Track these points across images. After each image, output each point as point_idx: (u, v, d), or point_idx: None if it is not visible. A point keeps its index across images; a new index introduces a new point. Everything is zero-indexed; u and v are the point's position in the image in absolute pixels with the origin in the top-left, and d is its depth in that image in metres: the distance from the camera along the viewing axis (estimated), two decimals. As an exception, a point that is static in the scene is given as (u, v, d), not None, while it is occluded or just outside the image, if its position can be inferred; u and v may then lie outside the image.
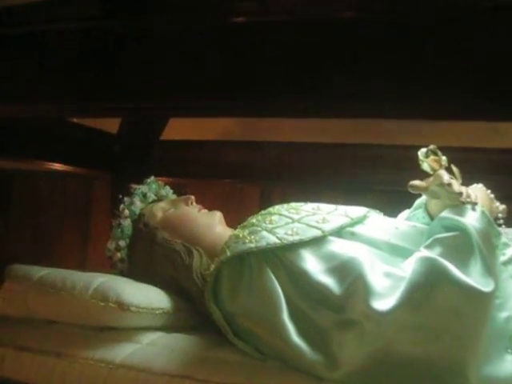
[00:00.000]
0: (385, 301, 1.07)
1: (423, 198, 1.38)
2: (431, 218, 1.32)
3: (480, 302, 1.05)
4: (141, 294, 1.28)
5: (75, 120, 2.15)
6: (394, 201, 1.97)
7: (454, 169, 1.28)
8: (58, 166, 2.12)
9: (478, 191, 1.28)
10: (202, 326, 1.33)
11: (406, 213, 1.46)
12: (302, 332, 1.13)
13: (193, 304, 1.35)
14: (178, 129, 2.33)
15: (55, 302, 1.29)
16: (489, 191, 1.32)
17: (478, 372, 1.06)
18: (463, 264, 1.08)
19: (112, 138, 2.28)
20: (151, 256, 1.40)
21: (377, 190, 2.15)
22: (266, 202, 2.27)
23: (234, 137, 2.35)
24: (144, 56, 1.17)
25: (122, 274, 1.45)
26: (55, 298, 1.28)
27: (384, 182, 2.12)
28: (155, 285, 1.36)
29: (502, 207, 1.31)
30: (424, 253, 1.11)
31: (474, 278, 1.06)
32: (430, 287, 1.06)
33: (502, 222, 1.30)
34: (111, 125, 2.28)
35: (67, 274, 1.33)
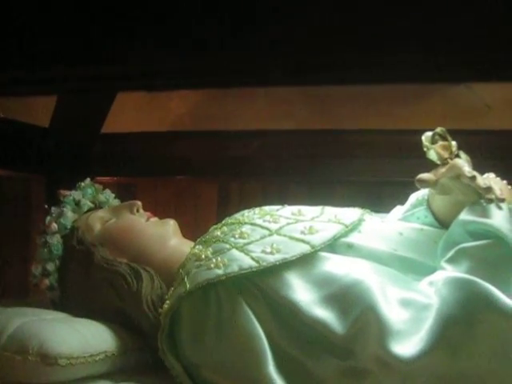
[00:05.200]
0: (408, 342, 0.82)
1: (423, 193, 1.14)
2: (435, 217, 1.09)
3: None
4: (74, 336, 1.00)
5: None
6: (367, 193, 1.78)
7: (463, 155, 1.06)
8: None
9: (496, 183, 1.04)
10: (158, 365, 1.05)
11: (398, 210, 1.21)
12: None
13: (145, 339, 1.09)
14: (122, 120, 2.07)
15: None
16: (504, 182, 1.08)
17: None
18: (507, 285, 0.84)
19: (43, 133, 1.97)
20: (88, 281, 1.14)
21: (347, 182, 1.91)
22: (224, 199, 2.06)
23: (185, 127, 2.11)
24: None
25: (53, 304, 1.19)
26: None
27: (356, 172, 1.88)
28: (95, 317, 1.10)
29: None
30: (452, 271, 0.87)
31: None
32: (470, 321, 0.82)
33: None
34: (42, 118, 1.99)
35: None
